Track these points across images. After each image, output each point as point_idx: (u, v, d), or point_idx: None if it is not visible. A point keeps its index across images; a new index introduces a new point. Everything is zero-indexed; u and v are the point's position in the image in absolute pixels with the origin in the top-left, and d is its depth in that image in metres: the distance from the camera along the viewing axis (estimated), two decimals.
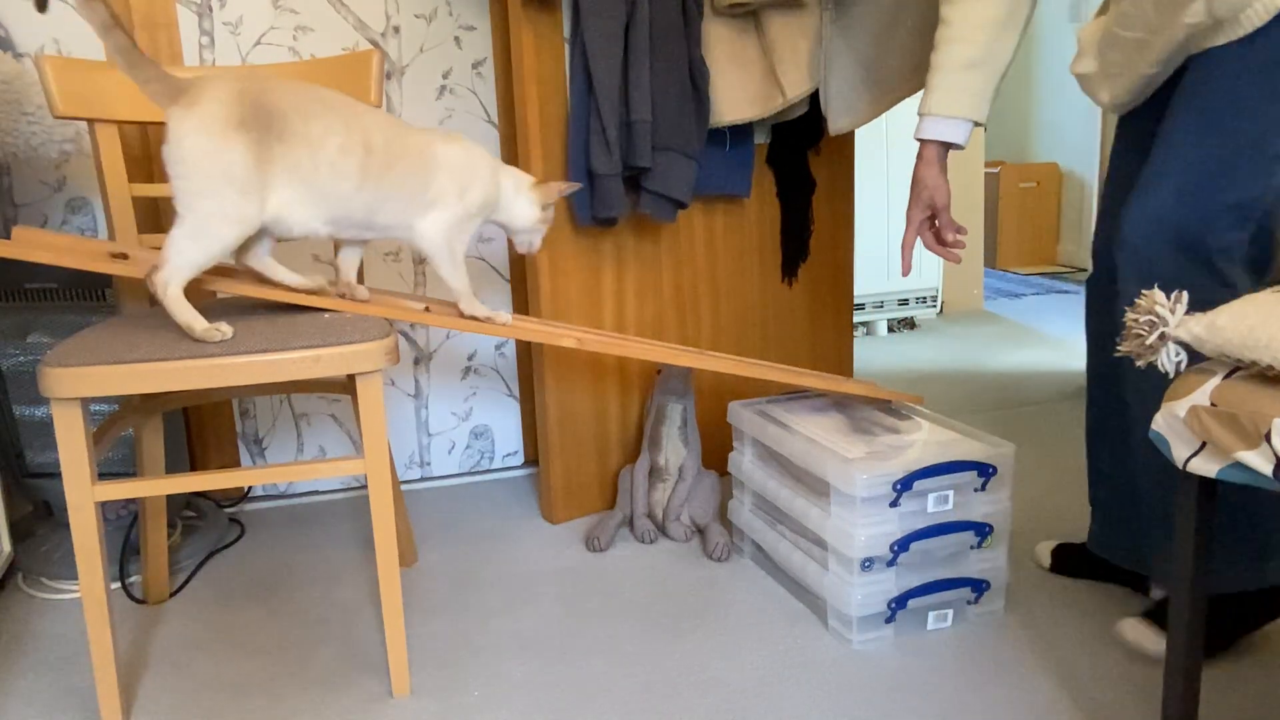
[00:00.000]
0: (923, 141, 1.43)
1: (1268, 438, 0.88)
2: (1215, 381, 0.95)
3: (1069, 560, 1.62)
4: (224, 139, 1.16)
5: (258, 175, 1.19)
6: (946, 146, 1.42)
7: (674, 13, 1.69)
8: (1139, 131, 1.37)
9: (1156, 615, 1.38)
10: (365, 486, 2.13)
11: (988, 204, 4.81)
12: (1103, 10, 1.35)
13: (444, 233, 1.34)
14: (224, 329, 1.21)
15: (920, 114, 1.41)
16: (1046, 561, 1.63)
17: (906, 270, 1.47)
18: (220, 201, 1.18)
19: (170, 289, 1.19)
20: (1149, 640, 1.36)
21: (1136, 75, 1.28)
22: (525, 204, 1.42)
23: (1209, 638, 1.36)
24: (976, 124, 1.41)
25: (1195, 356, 0.99)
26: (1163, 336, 0.97)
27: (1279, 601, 1.34)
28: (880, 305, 3.57)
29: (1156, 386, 1.11)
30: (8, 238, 1.70)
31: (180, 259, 1.18)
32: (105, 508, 1.68)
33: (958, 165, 3.77)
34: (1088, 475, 1.56)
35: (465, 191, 1.34)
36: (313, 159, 1.22)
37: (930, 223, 1.47)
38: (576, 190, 1.69)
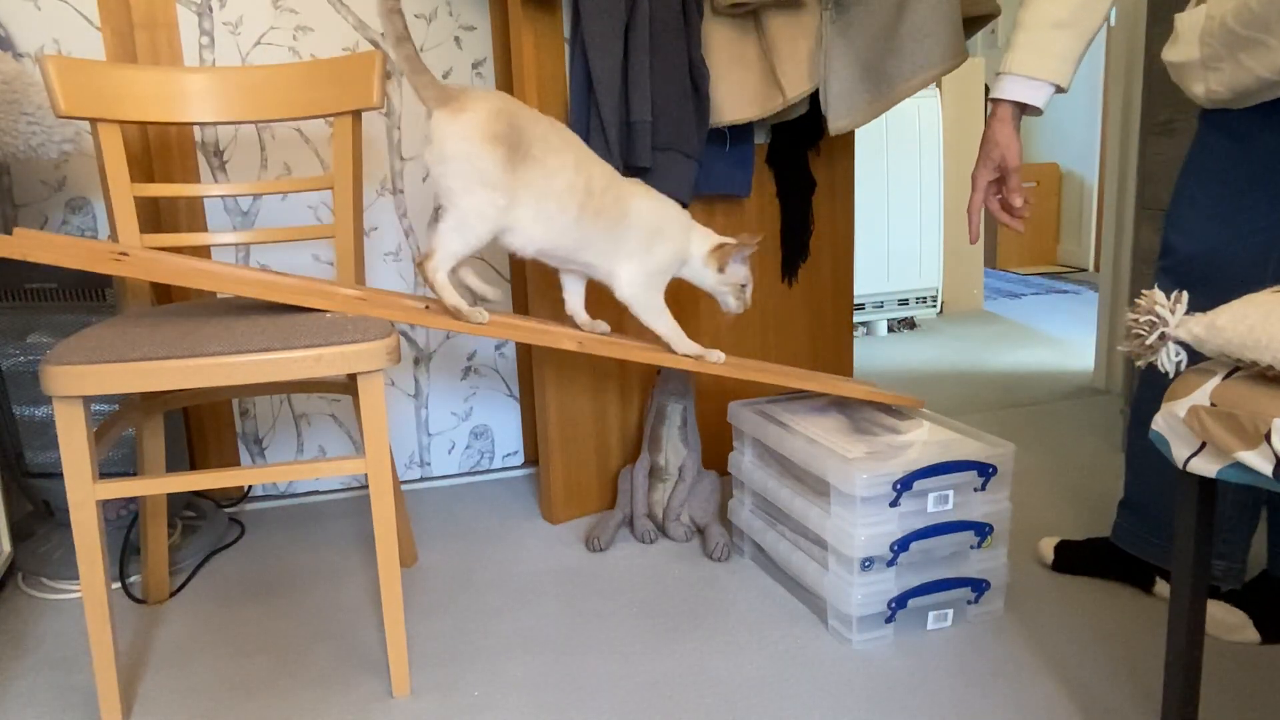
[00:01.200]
0: (997, 101, 1.35)
1: (1268, 438, 0.88)
2: (1215, 381, 0.96)
3: (1071, 557, 1.62)
4: (481, 146, 1.30)
5: (508, 182, 1.33)
6: (1023, 107, 1.35)
7: (674, 13, 1.69)
8: (1243, 132, 1.29)
9: (1236, 598, 1.41)
10: (365, 486, 2.13)
11: None
12: None
13: (639, 287, 1.48)
14: (483, 314, 1.37)
15: (999, 72, 1.34)
16: (1049, 558, 1.64)
17: (975, 236, 1.40)
18: (477, 200, 1.32)
19: (439, 275, 1.35)
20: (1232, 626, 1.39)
21: (1249, 76, 1.20)
22: (701, 266, 1.51)
23: (1271, 624, 1.37)
24: (1059, 89, 1.33)
25: (1195, 356, 1.00)
26: (1163, 336, 0.97)
27: None
28: (880, 305, 3.57)
29: None
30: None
31: (446, 250, 1.35)
32: (105, 508, 1.68)
33: (958, 164, 3.77)
34: (1126, 467, 1.55)
35: (651, 247, 1.46)
36: (545, 185, 1.36)
37: (997, 186, 1.40)
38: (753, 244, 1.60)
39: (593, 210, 1.40)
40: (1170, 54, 1.29)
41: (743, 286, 1.53)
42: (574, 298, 1.58)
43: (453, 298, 1.36)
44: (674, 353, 1.52)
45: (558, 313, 1.84)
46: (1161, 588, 1.52)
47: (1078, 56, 1.32)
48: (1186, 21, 1.27)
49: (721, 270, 1.50)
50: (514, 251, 1.42)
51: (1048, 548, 1.65)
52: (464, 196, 1.32)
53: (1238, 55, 1.20)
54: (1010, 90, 1.34)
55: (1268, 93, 1.21)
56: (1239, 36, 1.19)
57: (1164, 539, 1.50)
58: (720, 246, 1.50)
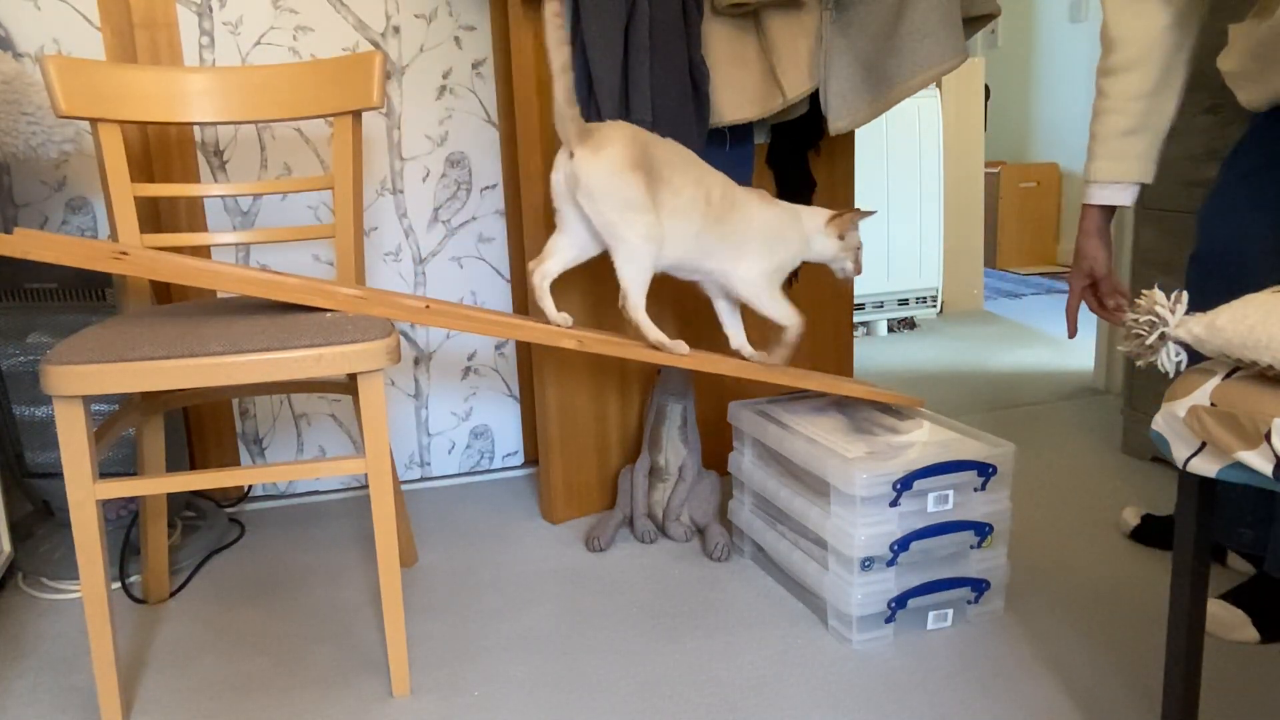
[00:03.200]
0: (1086, 207, 1.42)
1: (1268, 438, 0.88)
2: (1215, 381, 0.96)
3: (1153, 531, 1.70)
4: (625, 175, 1.41)
5: (653, 202, 1.44)
6: (1111, 210, 1.42)
7: (674, 13, 1.69)
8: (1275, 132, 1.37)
9: (1235, 597, 1.43)
10: (365, 486, 2.13)
11: (988, 204, 4.81)
12: (1258, 11, 1.32)
13: (759, 280, 1.55)
14: (684, 346, 1.48)
15: (1086, 180, 1.41)
16: (1132, 523, 1.73)
17: (1072, 333, 1.47)
18: (637, 226, 1.42)
19: (639, 314, 1.46)
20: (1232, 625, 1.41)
21: (1274, 90, 1.29)
22: (822, 240, 1.59)
23: (1270, 623, 1.38)
24: (1144, 184, 1.39)
25: (1195, 356, 1.00)
26: (1163, 336, 0.97)
27: None
28: (880, 305, 3.57)
29: None
30: None
31: (633, 284, 1.45)
32: (105, 507, 1.68)
33: (958, 164, 3.77)
34: None
35: (774, 251, 1.55)
36: (674, 202, 1.46)
37: (1093, 288, 1.46)
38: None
39: (713, 219, 1.49)
40: (1222, 62, 1.37)
41: (858, 249, 1.61)
42: (732, 329, 1.65)
43: (655, 334, 1.47)
44: (788, 339, 1.58)
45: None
46: (1235, 560, 1.59)
47: (1156, 152, 1.38)
48: (1237, 33, 1.35)
49: (842, 238, 1.58)
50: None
51: (1132, 516, 1.74)
52: (625, 228, 1.42)
53: (1266, 74, 1.28)
54: (1098, 196, 1.41)
55: None
56: (1262, 57, 1.27)
57: (1224, 519, 1.56)
58: (838, 216, 1.58)
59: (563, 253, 1.51)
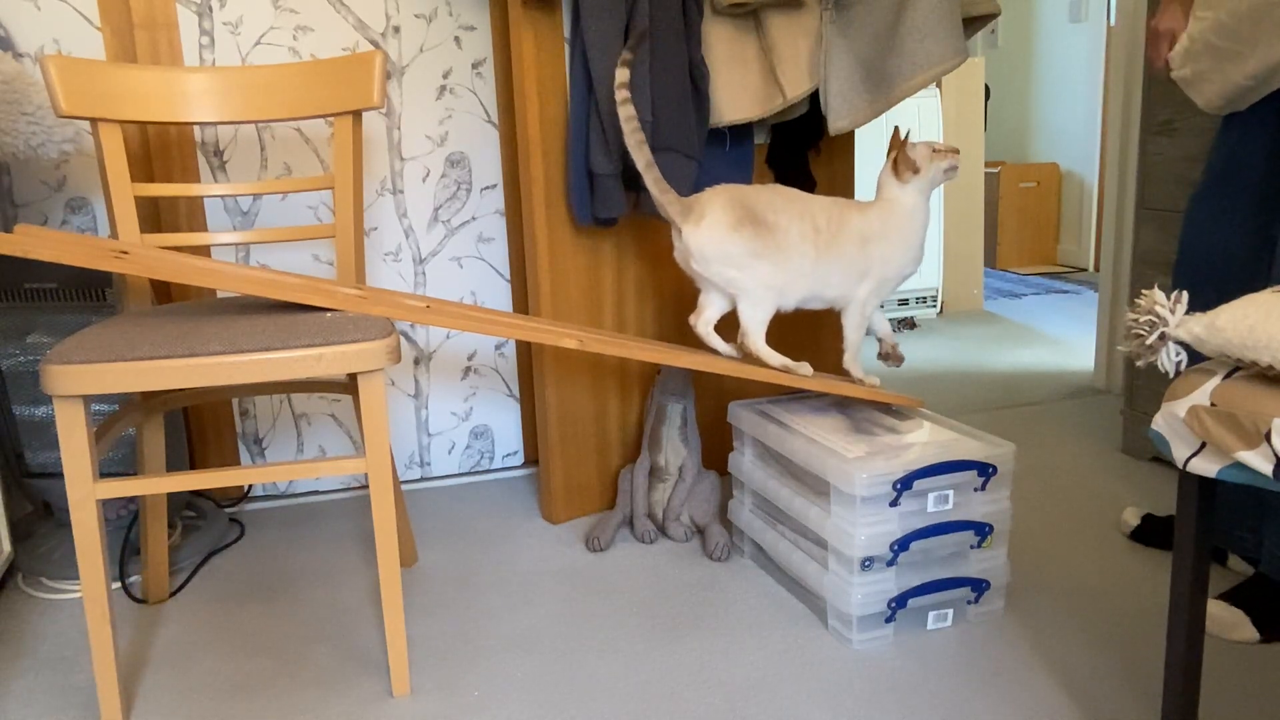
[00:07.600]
0: None
1: (1268, 437, 0.88)
2: (1215, 381, 0.96)
3: (1153, 530, 1.71)
4: (731, 237, 1.51)
5: (766, 249, 1.52)
6: None
7: (674, 13, 1.69)
8: (1253, 127, 1.40)
9: (1234, 596, 1.43)
10: (365, 486, 2.13)
11: (988, 204, 4.81)
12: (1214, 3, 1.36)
13: (868, 296, 1.62)
14: (807, 367, 1.58)
15: None
16: (1132, 523, 1.73)
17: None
18: (756, 274, 1.53)
19: (759, 345, 1.57)
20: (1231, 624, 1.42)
21: (1230, 84, 1.33)
22: (911, 190, 1.58)
23: (1269, 622, 1.39)
24: None
25: (1195, 357, 1.00)
26: (1163, 336, 0.97)
27: None
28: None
29: None
30: None
31: (753, 324, 1.56)
32: (105, 508, 1.68)
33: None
34: None
35: (886, 259, 1.59)
36: (785, 240, 1.53)
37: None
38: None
39: (824, 245, 1.55)
40: (1175, 74, 1.43)
41: (936, 155, 1.56)
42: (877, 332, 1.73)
43: (778, 359, 1.57)
44: (844, 365, 1.68)
45: (559, 312, 1.84)
46: (1235, 561, 1.60)
47: None
48: (1177, 48, 1.42)
49: (917, 171, 1.56)
50: (778, 310, 1.59)
51: (1132, 516, 1.74)
52: (744, 279, 1.53)
53: (1224, 67, 1.33)
54: None
55: (1252, 96, 1.34)
56: (1219, 48, 1.32)
57: (1225, 523, 1.57)
58: (892, 163, 1.58)
59: (714, 304, 1.62)
